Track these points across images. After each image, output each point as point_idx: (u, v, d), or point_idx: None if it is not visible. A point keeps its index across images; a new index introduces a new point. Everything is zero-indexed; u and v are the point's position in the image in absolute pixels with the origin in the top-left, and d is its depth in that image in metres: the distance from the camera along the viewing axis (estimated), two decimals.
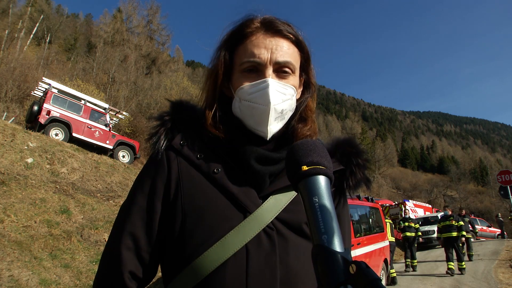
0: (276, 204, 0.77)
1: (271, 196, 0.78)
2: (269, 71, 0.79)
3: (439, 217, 11.85)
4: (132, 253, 0.78)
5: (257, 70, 0.80)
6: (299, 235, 0.77)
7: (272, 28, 0.82)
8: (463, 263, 8.92)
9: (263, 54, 0.79)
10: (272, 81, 0.78)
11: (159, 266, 0.85)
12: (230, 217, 0.75)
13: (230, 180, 0.78)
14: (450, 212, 9.95)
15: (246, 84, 0.80)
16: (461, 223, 9.38)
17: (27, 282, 4.56)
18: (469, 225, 11.53)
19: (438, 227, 10.06)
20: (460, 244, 9.28)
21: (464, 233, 9.43)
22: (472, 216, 23.27)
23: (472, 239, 12.18)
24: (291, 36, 0.83)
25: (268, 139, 0.81)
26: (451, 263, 8.78)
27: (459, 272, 8.76)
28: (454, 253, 9.07)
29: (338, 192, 0.87)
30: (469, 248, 11.19)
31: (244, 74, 0.81)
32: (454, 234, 9.22)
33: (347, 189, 0.86)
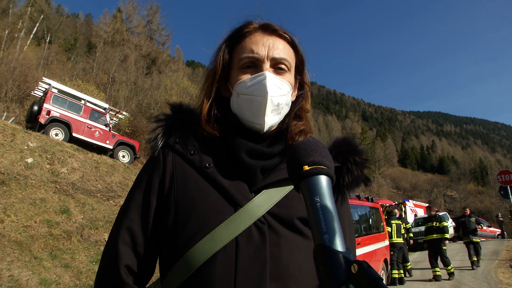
0: (268, 198, 0.77)
1: (263, 191, 0.79)
2: (266, 66, 0.83)
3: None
4: (129, 247, 0.80)
5: (255, 66, 0.84)
6: (292, 230, 0.77)
7: (269, 28, 0.87)
8: (450, 267, 8.24)
9: (261, 51, 0.83)
10: (269, 74, 0.81)
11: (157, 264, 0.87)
12: (221, 210, 0.76)
13: (222, 174, 0.80)
14: (433, 213, 9.12)
15: (245, 78, 0.83)
16: (444, 224, 8.62)
17: (27, 282, 4.56)
18: (477, 226, 10.22)
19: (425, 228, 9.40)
20: (444, 247, 8.44)
21: (446, 235, 8.57)
22: None
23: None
24: (287, 37, 0.88)
25: (264, 131, 0.82)
26: (436, 269, 8.25)
27: (447, 278, 8.16)
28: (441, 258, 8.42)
29: (335, 190, 0.87)
30: (477, 253, 9.77)
31: (243, 70, 0.85)
32: (434, 236, 8.59)
33: (343, 186, 0.86)
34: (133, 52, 32.88)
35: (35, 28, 33.26)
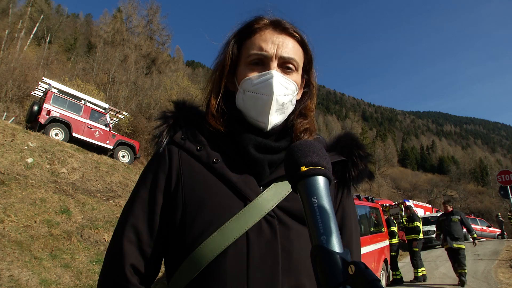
0: (277, 192, 0.77)
1: (272, 185, 0.78)
2: (274, 64, 0.82)
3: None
4: (134, 246, 0.79)
5: (262, 63, 0.83)
6: (302, 224, 0.77)
7: (279, 26, 0.86)
8: (419, 269, 8.03)
9: (270, 49, 0.82)
10: (276, 73, 0.81)
11: (162, 263, 0.85)
12: (230, 205, 0.75)
13: (230, 169, 0.79)
14: (408, 212, 9.22)
15: (252, 75, 0.82)
16: (416, 224, 8.61)
17: (27, 282, 4.56)
18: (462, 228, 7.45)
19: None
20: (415, 249, 8.34)
21: (417, 236, 8.44)
22: (472, 216, 23.08)
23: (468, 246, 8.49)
24: (297, 36, 0.87)
25: (268, 129, 0.82)
26: (417, 269, 8.14)
27: (418, 280, 7.94)
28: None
29: (341, 184, 0.87)
30: (459, 264, 7.13)
31: (250, 66, 0.84)
32: (409, 237, 8.65)
33: (349, 180, 0.86)
34: (133, 52, 32.89)
35: (35, 28, 33.28)
